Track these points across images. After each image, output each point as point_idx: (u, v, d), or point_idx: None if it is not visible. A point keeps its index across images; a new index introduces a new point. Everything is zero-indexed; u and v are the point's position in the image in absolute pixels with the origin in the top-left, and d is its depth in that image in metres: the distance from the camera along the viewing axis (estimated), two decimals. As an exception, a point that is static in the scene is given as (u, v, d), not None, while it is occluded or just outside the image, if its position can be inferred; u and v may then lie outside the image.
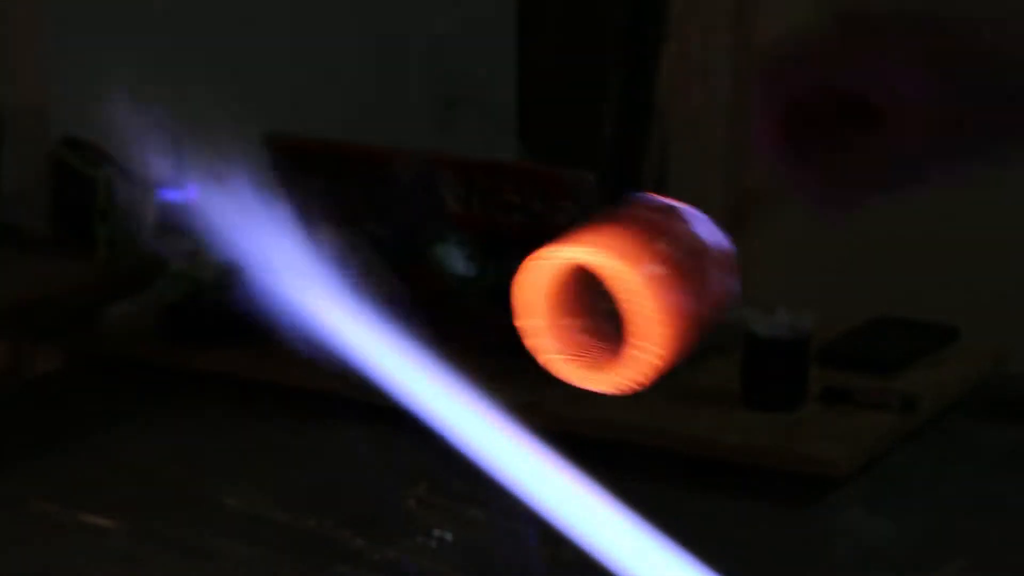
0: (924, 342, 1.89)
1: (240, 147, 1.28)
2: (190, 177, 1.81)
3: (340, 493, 1.53)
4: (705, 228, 0.70)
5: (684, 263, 0.66)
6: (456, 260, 1.89)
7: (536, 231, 1.81)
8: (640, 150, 2.45)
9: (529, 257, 0.67)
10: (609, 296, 0.68)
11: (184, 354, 1.86)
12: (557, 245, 0.67)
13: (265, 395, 1.75)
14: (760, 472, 1.60)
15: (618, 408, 1.72)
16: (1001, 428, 1.76)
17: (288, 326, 1.00)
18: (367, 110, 2.49)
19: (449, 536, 1.41)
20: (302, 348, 1.00)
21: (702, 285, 0.67)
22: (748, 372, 1.70)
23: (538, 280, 0.67)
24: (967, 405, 1.80)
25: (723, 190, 2.47)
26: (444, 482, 1.43)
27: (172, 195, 1.84)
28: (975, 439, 1.73)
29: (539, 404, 1.73)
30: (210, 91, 1.42)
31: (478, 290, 1.89)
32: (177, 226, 1.75)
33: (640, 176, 2.41)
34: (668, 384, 1.76)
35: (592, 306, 0.69)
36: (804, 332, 1.68)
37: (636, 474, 1.63)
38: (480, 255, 1.87)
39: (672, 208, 0.71)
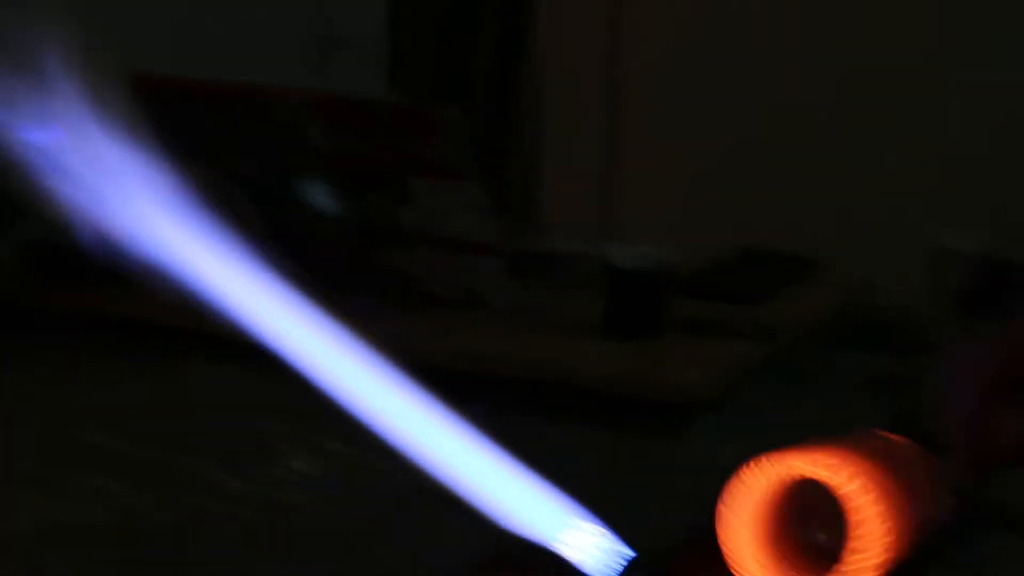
0: (785, 273, 1.93)
1: (106, 84, 1.26)
2: (52, 115, 1.79)
3: (200, 428, 1.53)
4: (916, 452, 0.70)
5: (903, 479, 0.66)
6: (325, 198, 1.89)
7: (405, 168, 1.82)
8: (514, 89, 2.46)
9: (746, 467, 0.65)
10: (820, 513, 0.67)
11: (42, 292, 1.84)
12: (778, 457, 0.65)
13: (125, 332, 1.74)
14: (621, 402, 1.62)
15: (481, 340, 1.73)
16: (860, 356, 1.79)
17: (149, 263, 0.99)
18: (237, 49, 2.47)
19: (311, 469, 1.41)
20: (162, 285, 1.00)
21: (918, 502, 0.67)
22: (609, 304, 1.72)
23: (754, 490, 0.65)
24: (827, 334, 1.84)
25: (600, 137, 2.48)
26: (306, 416, 1.43)
27: (34, 134, 1.82)
28: (834, 367, 1.77)
29: (403, 337, 1.75)
30: (75, 27, 1.40)
31: (346, 228, 1.89)
32: (39, 166, 1.73)
33: (513, 115, 2.41)
34: (530, 317, 1.79)
35: (803, 522, 0.68)
36: (665, 264, 1.71)
37: (500, 406, 1.64)
38: (348, 193, 1.88)
39: (889, 438, 0.72)
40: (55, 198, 1.73)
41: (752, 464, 0.62)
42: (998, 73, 2.32)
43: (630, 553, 0.64)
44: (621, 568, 0.63)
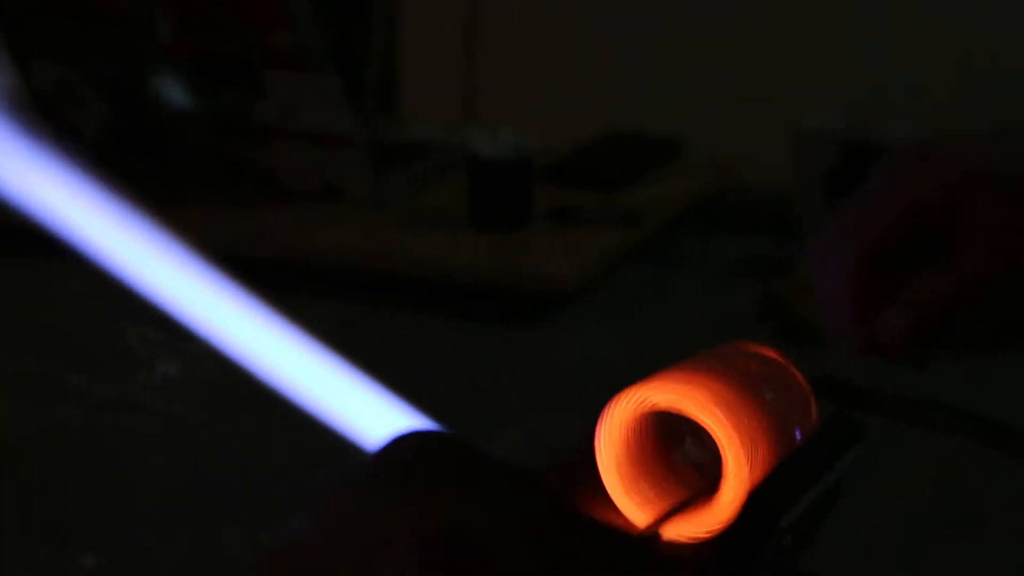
0: (650, 157, 1.90)
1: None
2: None
3: (59, 332, 1.48)
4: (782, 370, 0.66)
5: (769, 405, 0.62)
6: (176, 94, 1.83)
7: (257, 60, 1.77)
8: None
9: (614, 399, 0.61)
10: (692, 430, 0.63)
11: None
12: (644, 386, 0.61)
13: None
14: (489, 293, 1.59)
15: (344, 233, 1.69)
16: (727, 239, 1.78)
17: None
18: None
19: (173, 371, 1.37)
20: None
21: (785, 427, 0.63)
22: (474, 194, 1.68)
23: (620, 423, 0.61)
24: (694, 218, 1.82)
25: (459, 25, 2.43)
26: (165, 319, 1.39)
27: None
28: (701, 251, 1.75)
29: (263, 232, 1.70)
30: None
31: (198, 120, 1.83)
32: None
33: (368, 2, 2.34)
34: (395, 209, 1.75)
35: (670, 450, 0.64)
36: (528, 152, 1.67)
37: (365, 300, 1.61)
38: (201, 88, 1.82)
39: (755, 353, 0.67)
40: None
41: (616, 400, 0.59)
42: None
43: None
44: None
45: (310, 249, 1.67)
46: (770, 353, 0.65)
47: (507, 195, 1.68)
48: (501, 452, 1.36)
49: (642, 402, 0.60)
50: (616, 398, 0.60)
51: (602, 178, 1.82)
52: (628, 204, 1.75)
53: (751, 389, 0.61)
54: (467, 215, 1.69)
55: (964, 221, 0.72)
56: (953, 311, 0.73)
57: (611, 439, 0.60)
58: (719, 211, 1.84)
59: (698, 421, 0.59)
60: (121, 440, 1.26)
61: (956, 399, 1.35)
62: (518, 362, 1.49)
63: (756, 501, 0.59)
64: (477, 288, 1.60)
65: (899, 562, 1.14)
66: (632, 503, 0.60)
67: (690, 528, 0.60)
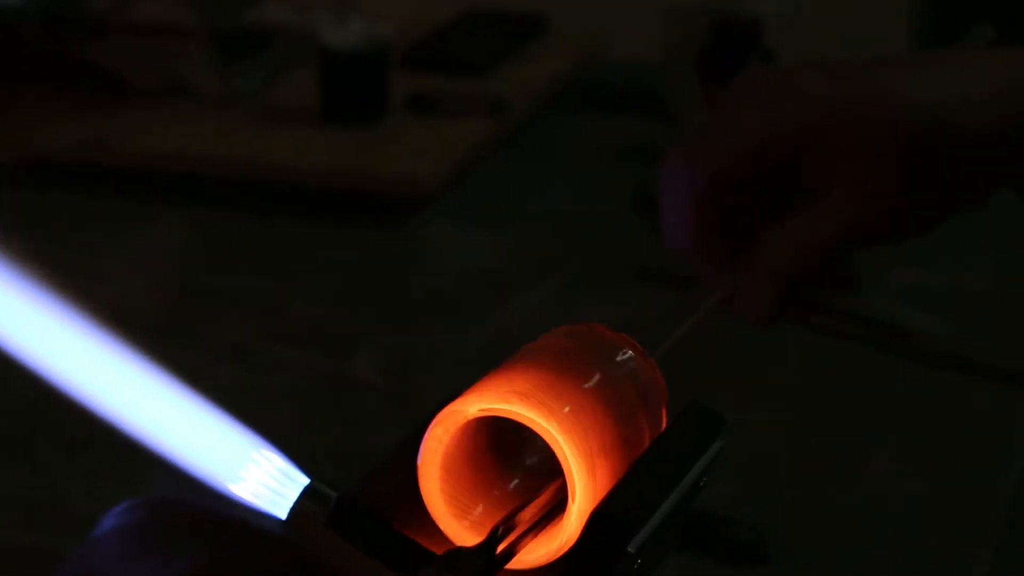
0: (512, 37, 1.79)
1: None
2: None
3: None
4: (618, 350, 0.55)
5: (609, 400, 0.52)
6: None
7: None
8: None
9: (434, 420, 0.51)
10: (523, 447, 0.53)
11: None
12: (464, 398, 0.51)
13: None
14: (346, 195, 1.49)
15: (191, 137, 1.58)
16: (598, 125, 1.68)
17: None
18: None
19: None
20: None
21: (626, 418, 0.53)
22: (325, 87, 1.57)
23: (443, 443, 0.51)
24: (562, 103, 1.72)
25: None
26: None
27: None
28: (571, 140, 1.65)
29: (105, 138, 1.59)
30: None
31: (27, 18, 1.70)
32: None
33: None
34: (244, 105, 1.64)
35: (514, 458, 0.54)
36: (381, 39, 1.56)
37: (215, 206, 1.50)
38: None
39: (586, 332, 0.56)
40: None
41: (441, 416, 0.50)
42: None
43: (303, 480, 0.52)
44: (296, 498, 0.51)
45: (155, 155, 1.56)
46: (609, 335, 0.56)
47: (360, 88, 1.57)
48: (361, 375, 1.26)
49: (459, 418, 0.50)
50: (435, 419, 0.51)
51: (463, 62, 1.71)
52: (492, 90, 1.64)
53: (584, 382, 0.52)
54: (320, 109, 1.58)
55: (824, 165, 0.63)
56: (814, 277, 0.64)
57: (431, 464, 0.51)
58: (588, 95, 1.74)
59: (533, 430, 0.50)
60: None
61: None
62: (377, 272, 1.40)
63: (600, 521, 0.50)
64: (332, 191, 1.50)
65: (795, 474, 1.07)
66: (462, 529, 0.52)
67: (534, 551, 0.51)
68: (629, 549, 0.50)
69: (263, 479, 0.55)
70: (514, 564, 0.51)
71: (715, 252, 0.67)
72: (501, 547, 0.49)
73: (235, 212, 1.49)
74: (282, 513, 0.54)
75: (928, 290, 1.33)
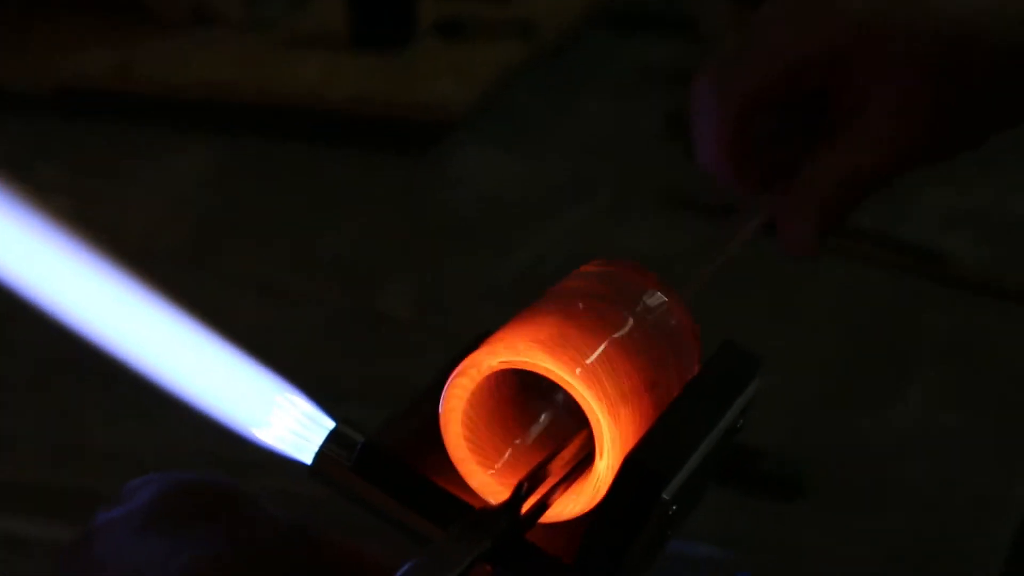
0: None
1: None
2: None
3: None
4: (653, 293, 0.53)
5: (639, 352, 0.50)
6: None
7: None
8: None
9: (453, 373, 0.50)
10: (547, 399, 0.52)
11: None
12: (487, 348, 0.49)
13: None
14: (374, 122, 1.47)
15: (217, 64, 1.56)
16: (629, 46, 1.66)
17: None
18: None
19: None
20: None
21: (659, 367, 0.51)
22: (353, 11, 1.55)
23: (466, 394, 0.50)
24: (592, 24, 1.70)
25: None
26: None
27: None
28: (600, 62, 1.63)
29: (130, 66, 1.57)
30: None
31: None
32: None
33: None
34: (269, 32, 1.62)
35: (539, 409, 0.53)
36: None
37: (243, 133, 1.49)
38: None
39: (617, 275, 0.54)
40: None
41: (463, 367, 0.48)
42: None
43: (329, 423, 0.51)
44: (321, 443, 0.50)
45: (180, 83, 1.54)
46: (639, 276, 0.54)
47: (388, 11, 1.55)
48: (391, 309, 1.25)
49: (483, 369, 0.49)
50: (456, 370, 0.49)
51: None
52: (521, 13, 1.62)
53: (611, 330, 0.50)
54: (348, 33, 1.56)
55: (859, 83, 0.61)
56: (858, 205, 0.62)
57: (454, 415, 0.50)
58: (619, 17, 1.71)
59: (556, 381, 0.49)
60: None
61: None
62: (407, 200, 1.38)
63: (634, 469, 0.49)
64: (360, 116, 1.48)
65: (830, 405, 1.06)
66: (487, 479, 0.50)
67: (565, 505, 0.50)
68: (664, 496, 0.49)
69: (288, 423, 0.53)
70: (546, 518, 0.50)
71: (746, 175, 0.66)
72: (528, 504, 0.48)
73: (261, 141, 1.48)
74: (307, 458, 0.53)
75: (965, 214, 1.31)
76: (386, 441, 0.51)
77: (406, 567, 0.42)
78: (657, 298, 0.53)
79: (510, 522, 0.47)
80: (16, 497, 0.93)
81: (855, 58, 0.62)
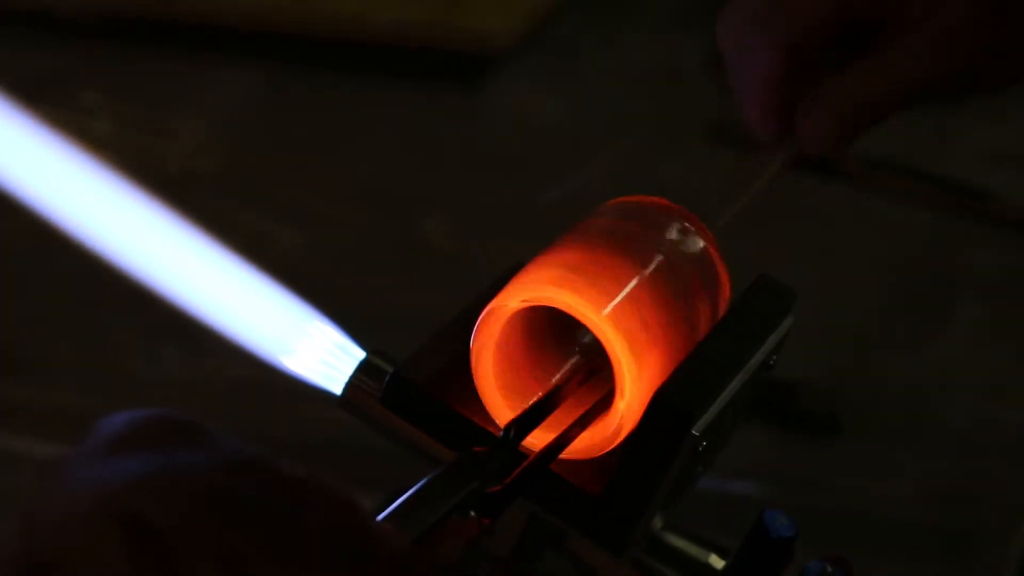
0: None
1: None
2: None
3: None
4: (682, 227, 0.53)
5: (667, 290, 0.50)
6: None
7: None
8: None
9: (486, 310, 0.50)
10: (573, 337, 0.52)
11: None
12: (509, 289, 0.49)
13: None
14: (417, 51, 1.47)
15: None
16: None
17: None
18: None
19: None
20: None
21: (687, 311, 0.51)
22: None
23: (493, 337, 0.50)
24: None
25: None
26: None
27: None
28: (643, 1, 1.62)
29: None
30: None
31: None
32: None
33: None
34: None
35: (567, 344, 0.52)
36: None
37: (283, 63, 1.48)
38: None
39: (646, 210, 0.53)
40: None
41: (488, 311, 0.48)
42: None
43: (360, 354, 0.51)
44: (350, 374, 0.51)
45: (221, 9, 1.53)
46: (666, 211, 0.53)
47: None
48: (430, 238, 1.25)
49: (508, 309, 0.49)
50: (482, 315, 0.49)
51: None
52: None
53: (638, 266, 0.50)
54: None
55: (905, 13, 0.60)
56: (882, 117, 0.61)
57: (485, 355, 0.50)
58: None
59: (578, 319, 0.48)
60: None
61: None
62: (447, 131, 1.37)
63: (663, 404, 0.49)
64: (404, 47, 1.47)
65: (869, 343, 1.05)
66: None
67: (586, 440, 0.50)
68: (694, 432, 0.49)
69: (319, 353, 0.53)
70: (570, 454, 0.50)
71: (785, 116, 0.65)
72: (546, 442, 0.48)
73: (302, 69, 1.47)
74: (337, 388, 0.53)
75: (1009, 152, 1.29)
76: (415, 373, 0.51)
77: (390, 509, 0.42)
78: (683, 231, 0.53)
79: (503, 462, 0.46)
80: (51, 423, 0.93)
81: None
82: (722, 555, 0.52)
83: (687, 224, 0.52)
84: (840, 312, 1.07)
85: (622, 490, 0.49)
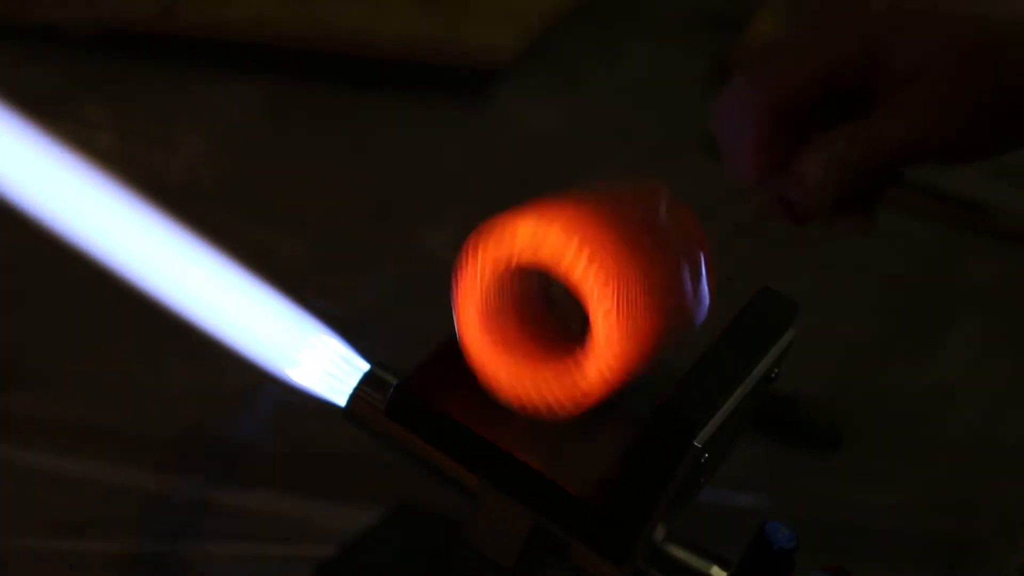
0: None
1: None
2: None
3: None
4: (678, 215, 0.54)
5: (657, 266, 0.51)
6: None
7: None
8: None
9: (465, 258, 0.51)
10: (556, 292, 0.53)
11: None
12: (509, 224, 0.50)
13: None
14: (419, 65, 1.47)
15: (260, 5, 1.56)
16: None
17: None
18: None
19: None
20: None
21: (673, 294, 0.52)
22: (399, -45, 1.55)
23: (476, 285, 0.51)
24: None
25: None
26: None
27: None
28: (648, 7, 1.62)
29: (174, 6, 1.57)
30: None
31: None
32: None
33: None
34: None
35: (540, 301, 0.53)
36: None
37: (286, 76, 1.49)
38: None
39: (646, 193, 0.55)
40: None
41: (470, 254, 0.50)
42: None
43: (365, 366, 0.51)
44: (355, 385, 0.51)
45: (224, 23, 1.54)
46: (662, 199, 0.55)
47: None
48: (432, 250, 1.25)
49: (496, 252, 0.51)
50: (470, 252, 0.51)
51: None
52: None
53: (621, 225, 0.51)
54: (394, -23, 1.55)
55: (892, 69, 0.60)
56: (874, 173, 0.61)
57: (468, 299, 0.51)
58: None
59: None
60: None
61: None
62: (449, 143, 1.38)
63: (665, 416, 0.49)
64: (406, 61, 1.48)
65: (871, 355, 1.06)
66: (499, 368, 0.51)
67: (554, 386, 0.50)
68: (696, 443, 0.49)
69: (323, 364, 0.54)
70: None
71: (776, 177, 0.65)
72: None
73: (304, 82, 1.47)
74: (341, 400, 0.53)
75: (1009, 165, 1.29)
76: (418, 384, 0.52)
77: None
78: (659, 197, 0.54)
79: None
80: (57, 434, 0.93)
81: (890, 45, 0.60)
82: (724, 566, 0.53)
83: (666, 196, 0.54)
84: (841, 325, 1.07)
85: (624, 501, 0.49)
